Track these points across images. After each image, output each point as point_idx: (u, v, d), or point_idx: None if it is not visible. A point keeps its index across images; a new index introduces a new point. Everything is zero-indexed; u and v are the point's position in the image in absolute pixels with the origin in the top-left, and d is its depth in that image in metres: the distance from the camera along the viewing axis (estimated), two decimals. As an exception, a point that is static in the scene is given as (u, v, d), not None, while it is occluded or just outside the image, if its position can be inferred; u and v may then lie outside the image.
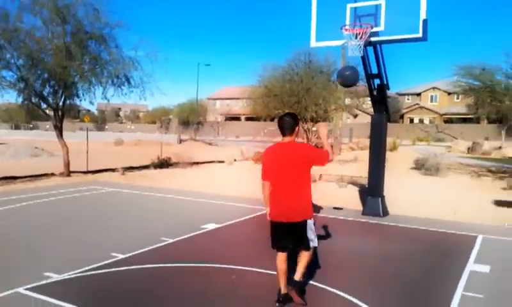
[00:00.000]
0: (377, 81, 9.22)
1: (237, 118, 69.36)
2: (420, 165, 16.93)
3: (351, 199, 10.82)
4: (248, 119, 61.77)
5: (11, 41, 12.85)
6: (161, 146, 21.07)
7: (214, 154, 25.08)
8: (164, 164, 18.03)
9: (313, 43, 9.13)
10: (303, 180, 4.27)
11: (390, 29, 8.24)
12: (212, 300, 4.60)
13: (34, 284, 4.85)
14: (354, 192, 11.90)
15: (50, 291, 4.70)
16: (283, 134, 4.34)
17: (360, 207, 9.81)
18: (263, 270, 5.45)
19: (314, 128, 19.71)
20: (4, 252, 6.21)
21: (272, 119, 24.19)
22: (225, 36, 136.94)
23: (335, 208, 9.80)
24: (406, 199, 10.78)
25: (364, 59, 8.88)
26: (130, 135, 45.86)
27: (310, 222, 4.40)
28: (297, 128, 4.33)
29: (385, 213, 9.17)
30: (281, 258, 4.39)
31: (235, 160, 21.34)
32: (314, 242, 4.47)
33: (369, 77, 9.19)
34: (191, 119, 52.22)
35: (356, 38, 8.20)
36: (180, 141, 38.77)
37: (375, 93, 9.27)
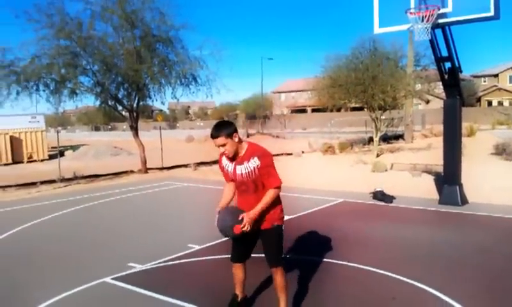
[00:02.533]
0: (448, 64, 8.76)
1: (303, 110, 68.97)
2: (501, 150, 15.81)
3: (426, 188, 10.38)
4: (314, 110, 61.19)
5: (85, 48, 13.67)
6: (230, 141, 21.44)
7: (282, 147, 25.13)
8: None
9: (377, 30, 8.81)
10: None
11: (459, 9, 7.80)
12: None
13: (119, 274, 5.21)
14: (429, 180, 11.40)
15: (134, 280, 5.02)
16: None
17: (436, 196, 9.39)
18: (339, 262, 5.42)
19: (383, 117, 19.11)
20: (91, 245, 6.72)
21: (338, 110, 23.70)
22: (287, 29, 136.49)
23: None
24: (486, 186, 10.14)
25: (432, 42, 8.45)
26: (199, 132, 47.28)
27: None
28: None
29: (464, 201, 8.71)
30: None
31: (303, 152, 21.28)
32: None
33: (439, 60, 8.75)
34: (257, 113, 52.75)
35: (422, 21, 7.84)
36: (248, 135, 39.29)
37: (446, 76, 8.82)
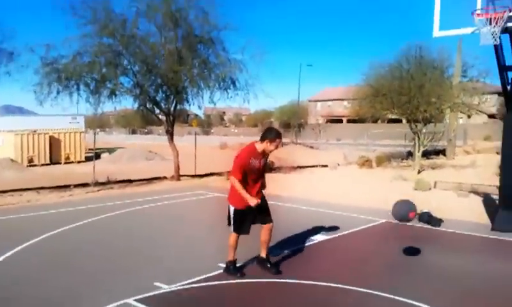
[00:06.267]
0: (511, 74, 8.02)
1: (338, 120, 67.93)
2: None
3: (475, 211, 9.55)
4: (349, 121, 60.05)
5: (128, 47, 13.54)
6: (264, 149, 20.98)
7: (316, 158, 24.54)
8: (267, 168, 17.89)
9: (436, 33, 8.06)
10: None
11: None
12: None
13: (143, 295, 4.79)
14: (477, 202, 10.55)
15: (159, 303, 4.63)
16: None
17: (487, 220, 8.60)
18: (382, 294, 4.83)
19: (424, 130, 18.16)
20: (117, 258, 6.36)
21: (375, 121, 22.87)
22: (328, 35, 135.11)
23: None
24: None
25: (497, 49, 7.72)
26: (233, 138, 47.18)
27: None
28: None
29: (522, 229, 7.88)
30: None
31: (338, 164, 20.57)
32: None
33: (502, 69, 8.01)
34: (292, 121, 52.17)
35: (490, 23, 7.15)
36: (282, 145, 38.74)
37: (509, 88, 8.07)
